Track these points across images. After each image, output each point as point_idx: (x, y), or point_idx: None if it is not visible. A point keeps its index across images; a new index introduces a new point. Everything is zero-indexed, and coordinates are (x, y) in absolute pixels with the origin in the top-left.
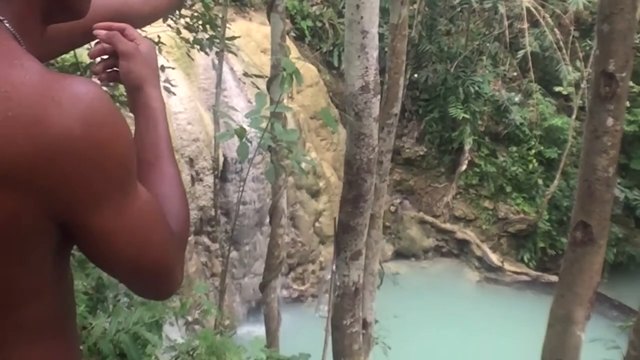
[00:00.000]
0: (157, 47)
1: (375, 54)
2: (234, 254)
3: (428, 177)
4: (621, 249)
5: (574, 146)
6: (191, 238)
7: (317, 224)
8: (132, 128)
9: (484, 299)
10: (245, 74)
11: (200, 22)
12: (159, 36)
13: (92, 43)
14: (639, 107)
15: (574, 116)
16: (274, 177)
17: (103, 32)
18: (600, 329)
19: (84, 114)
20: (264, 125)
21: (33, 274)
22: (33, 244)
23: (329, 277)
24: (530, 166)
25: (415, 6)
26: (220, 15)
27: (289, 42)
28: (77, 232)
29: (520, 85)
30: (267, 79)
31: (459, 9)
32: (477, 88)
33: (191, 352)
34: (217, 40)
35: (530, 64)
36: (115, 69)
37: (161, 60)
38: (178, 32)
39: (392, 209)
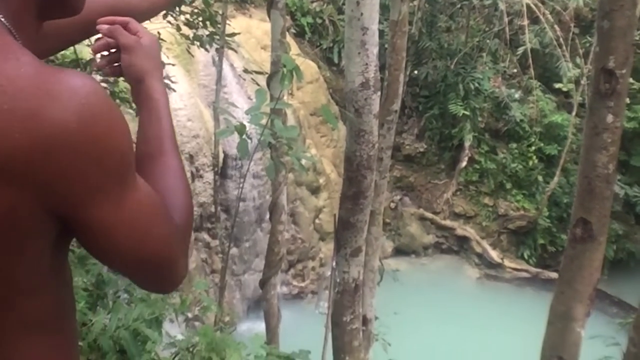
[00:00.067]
0: None
1: (376, 50)
2: (234, 250)
3: (428, 174)
4: (621, 246)
5: (574, 143)
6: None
7: (317, 221)
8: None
9: (484, 296)
10: (246, 71)
11: (200, 19)
12: (159, 32)
13: (93, 39)
14: (639, 103)
15: (574, 113)
16: (274, 174)
17: (105, 26)
18: (600, 326)
19: (79, 107)
20: (264, 121)
21: (31, 269)
22: (31, 237)
23: (329, 273)
24: (530, 163)
25: (415, 3)
26: (220, 12)
27: (289, 39)
28: (76, 226)
29: (520, 82)
30: (267, 75)
31: (459, 6)
32: (477, 85)
33: (191, 349)
34: (217, 37)
35: (530, 60)
36: (119, 63)
37: (161, 57)
38: (178, 29)
39: (392, 205)
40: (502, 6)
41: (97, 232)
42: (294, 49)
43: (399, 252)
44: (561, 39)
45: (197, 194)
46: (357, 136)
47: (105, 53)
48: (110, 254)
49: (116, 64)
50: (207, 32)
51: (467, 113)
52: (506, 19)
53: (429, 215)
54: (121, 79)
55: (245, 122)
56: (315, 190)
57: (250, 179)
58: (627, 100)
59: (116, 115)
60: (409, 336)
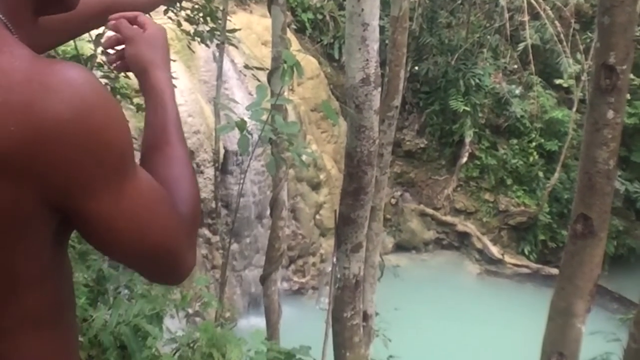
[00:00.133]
0: None
1: (376, 46)
2: (234, 246)
3: (429, 170)
4: (622, 242)
5: (574, 139)
6: None
7: (317, 217)
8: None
9: (485, 292)
10: (246, 67)
11: (201, 15)
12: None
13: (92, 34)
14: None
15: (574, 109)
16: (274, 170)
17: (112, 22)
18: (600, 322)
19: (73, 98)
20: (264, 117)
21: (31, 263)
22: (30, 231)
23: (330, 269)
24: (531, 159)
25: None
26: (221, 8)
27: (289, 35)
28: (76, 219)
29: (520, 78)
30: (267, 71)
31: (459, 2)
32: (477, 81)
33: (192, 345)
34: (218, 33)
35: (530, 56)
36: None
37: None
38: (179, 25)
39: (393, 201)
40: (502, 2)
41: (97, 225)
42: (295, 44)
43: (400, 248)
44: (562, 35)
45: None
46: (357, 132)
47: (119, 48)
48: (112, 246)
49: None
50: (207, 28)
51: (468, 109)
52: (507, 15)
53: (429, 211)
54: (122, 74)
55: (246, 118)
56: (315, 186)
57: (251, 175)
58: (628, 96)
59: (112, 106)
60: (409, 332)
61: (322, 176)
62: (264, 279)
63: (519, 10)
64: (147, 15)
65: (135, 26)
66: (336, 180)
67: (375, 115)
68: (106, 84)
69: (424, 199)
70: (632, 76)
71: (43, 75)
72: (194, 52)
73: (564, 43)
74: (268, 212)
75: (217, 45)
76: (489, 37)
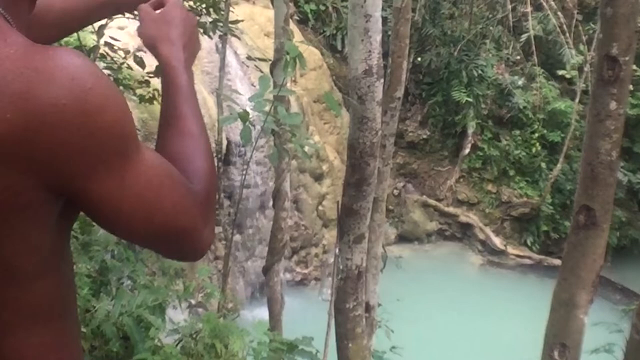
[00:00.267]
0: None
1: (379, 37)
2: (237, 237)
3: (431, 161)
4: (624, 233)
5: (577, 130)
6: None
7: (320, 208)
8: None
9: (487, 283)
10: (249, 58)
11: (203, 6)
12: None
13: (95, 25)
14: None
15: (577, 100)
16: (277, 161)
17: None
18: (603, 313)
19: (69, 82)
20: (267, 108)
21: (31, 255)
22: (31, 220)
23: (332, 260)
24: (534, 150)
25: None
26: None
27: (292, 26)
28: (81, 203)
29: (523, 69)
30: (270, 62)
31: None
32: (480, 72)
33: (194, 335)
34: (221, 24)
35: (533, 47)
36: None
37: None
38: None
39: (395, 192)
40: None
41: (102, 207)
42: (298, 36)
43: (402, 239)
44: (564, 26)
45: None
46: (360, 123)
47: None
48: (120, 228)
49: None
50: (210, 19)
51: (470, 100)
52: (509, 6)
53: (432, 202)
54: (125, 66)
55: (248, 109)
56: (318, 177)
57: (254, 166)
58: (631, 87)
59: (108, 89)
60: (411, 323)
61: (324, 167)
62: (267, 270)
63: (521, 1)
64: None
65: (146, 6)
66: (339, 172)
67: (378, 106)
68: (109, 74)
69: (426, 190)
70: (634, 67)
71: (38, 62)
72: None
73: (567, 34)
74: (271, 203)
75: (220, 36)
76: (491, 28)
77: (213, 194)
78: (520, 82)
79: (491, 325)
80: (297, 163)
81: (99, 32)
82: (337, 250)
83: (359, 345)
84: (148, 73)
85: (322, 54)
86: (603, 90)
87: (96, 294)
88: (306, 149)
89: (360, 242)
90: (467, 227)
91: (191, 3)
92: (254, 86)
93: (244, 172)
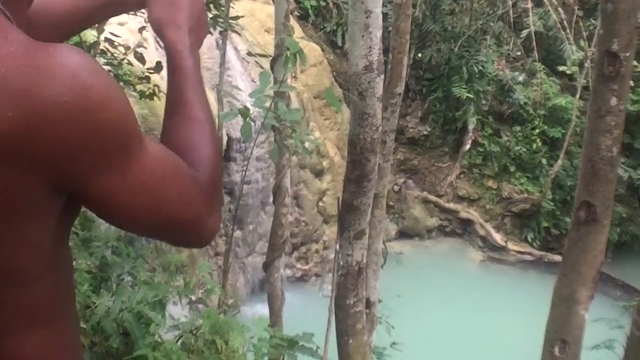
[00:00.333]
0: None
1: (379, 33)
2: (237, 233)
3: (432, 157)
4: (625, 229)
5: (577, 126)
6: None
7: (320, 204)
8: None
9: (488, 279)
10: (249, 54)
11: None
12: None
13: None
14: None
15: (577, 96)
16: (277, 157)
17: None
18: (604, 309)
19: (71, 80)
20: (267, 104)
21: (33, 255)
22: (32, 219)
23: (333, 256)
24: (534, 146)
25: None
26: None
27: (292, 22)
28: (84, 199)
29: (524, 65)
30: (270, 58)
31: None
32: (480, 67)
33: (194, 331)
34: (221, 20)
35: (534, 43)
36: None
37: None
38: None
39: (396, 188)
40: None
41: (106, 202)
42: (298, 31)
43: (403, 235)
44: (565, 22)
45: None
46: (360, 119)
47: None
48: (125, 222)
49: None
50: (211, 15)
51: (471, 96)
52: (510, 2)
53: (432, 198)
54: (125, 62)
55: (249, 105)
56: (318, 173)
57: (254, 162)
58: (631, 83)
59: (109, 86)
60: (412, 319)
61: (325, 163)
62: (267, 266)
63: None
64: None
65: None
66: (339, 168)
67: (378, 102)
68: (109, 70)
69: (427, 186)
70: (635, 63)
71: (39, 59)
72: None
73: (567, 30)
74: (271, 199)
75: (220, 32)
76: (492, 24)
77: (218, 182)
78: (520, 78)
79: (491, 322)
80: (297, 159)
81: (99, 28)
82: (337, 247)
83: (360, 341)
84: (148, 69)
85: (322, 50)
86: (604, 86)
87: (96, 290)
88: (307, 145)
89: (360, 238)
90: (467, 223)
91: None
92: (255, 82)
93: (245, 168)
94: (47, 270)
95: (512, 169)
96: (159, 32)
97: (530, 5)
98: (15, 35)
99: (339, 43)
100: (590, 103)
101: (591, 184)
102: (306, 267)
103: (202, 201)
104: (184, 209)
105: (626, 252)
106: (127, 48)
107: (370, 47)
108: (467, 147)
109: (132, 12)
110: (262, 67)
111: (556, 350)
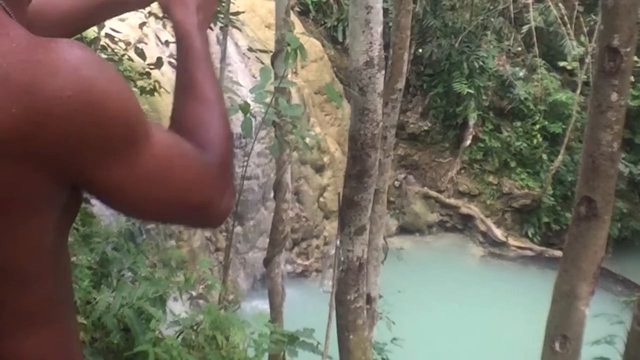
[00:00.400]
0: (161, 22)
1: (380, 29)
2: (238, 228)
3: (432, 152)
4: (625, 224)
5: (578, 121)
6: None
7: (321, 199)
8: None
9: (488, 274)
10: (250, 49)
11: None
12: None
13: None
14: None
15: (578, 91)
16: (278, 152)
17: None
18: (604, 304)
19: (73, 74)
20: (268, 100)
21: (34, 255)
22: (36, 217)
23: (333, 252)
24: (535, 141)
25: None
26: None
27: (293, 17)
28: (93, 191)
29: (524, 60)
30: (271, 54)
31: None
32: (481, 63)
33: (195, 327)
34: (222, 15)
35: (534, 38)
36: None
37: (166, 35)
38: None
39: (397, 184)
40: None
41: (114, 194)
42: (299, 27)
43: (403, 230)
44: (565, 17)
45: None
46: (361, 115)
47: None
48: (136, 211)
49: None
50: None
51: (472, 91)
52: None
53: (433, 193)
54: (126, 57)
55: (249, 101)
56: (319, 169)
57: (255, 158)
58: (632, 79)
59: (111, 78)
60: (413, 314)
61: (325, 159)
62: (268, 262)
63: None
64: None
65: None
66: (340, 163)
67: (379, 98)
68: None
69: (427, 182)
70: (636, 58)
71: (41, 54)
72: None
73: (568, 25)
74: (272, 194)
75: (221, 28)
76: (492, 19)
77: (229, 162)
78: (521, 74)
79: (492, 317)
80: (298, 155)
81: (100, 24)
82: (338, 242)
83: (360, 336)
84: (149, 64)
85: (323, 45)
86: (604, 81)
87: (97, 286)
88: (307, 140)
89: (361, 234)
90: (468, 219)
91: None
92: (255, 78)
93: (245, 164)
94: (47, 271)
95: (513, 164)
96: (167, 11)
97: (530, 0)
98: (17, 31)
99: (340, 39)
100: (590, 98)
101: (592, 179)
102: (307, 263)
103: (213, 184)
104: (193, 195)
105: (627, 247)
106: (128, 44)
107: (371, 43)
108: (468, 142)
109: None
110: (262, 63)
111: (557, 345)
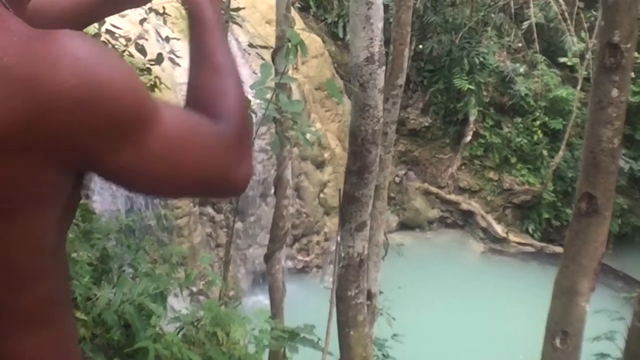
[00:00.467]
0: (162, 18)
1: (380, 25)
2: (238, 225)
3: (433, 148)
4: (626, 220)
5: (578, 117)
6: (195, 209)
7: (321, 195)
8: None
9: (489, 270)
10: (250, 45)
11: None
12: (164, 7)
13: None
14: None
15: (578, 87)
16: (278, 148)
17: None
18: (604, 300)
19: (75, 63)
20: (268, 96)
21: (35, 255)
22: (38, 214)
23: (334, 248)
24: (535, 137)
25: None
26: None
27: (294, 13)
28: (105, 175)
29: (525, 56)
30: (272, 50)
31: None
32: (481, 59)
33: (196, 323)
34: (222, 11)
35: (535, 34)
36: None
37: (166, 32)
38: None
39: (397, 180)
40: None
41: (127, 176)
42: (299, 23)
43: (404, 226)
44: (566, 13)
45: None
46: (362, 111)
47: None
48: (153, 190)
49: None
50: None
51: (472, 87)
52: None
53: (433, 189)
54: (126, 53)
55: (250, 97)
56: (320, 165)
57: (255, 154)
58: (632, 75)
59: (112, 62)
60: (413, 310)
61: (326, 155)
62: (268, 258)
63: None
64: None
65: None
66: (340, 159)
67: (380, 93)
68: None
69: (428, 178)
70: (636, 54)
71: (41, 47)
72: None
73: (569, 21)
74: (272, 190)
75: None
76: (493, 15)
77: (245, 131)
78: (521, 70)
79: (492, 313)
80: (298, 151)
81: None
82: (338, 238)
83: (361, 332)
84: (149, 61)
85: (323, 41)
86: (605, 77)
87: (97, 282)
88: (308, 136)
89: (361, 230)
90: (468, 215)
91: None
92: (256, 74)
93: None
94: (47, 271)
95: (513, 160)
96: None
97: None
98: (17, 25)
99: (340, 35)
100: (591, 94)
101: (592, 175)
102: (307, 259)
103: (228, 155)
104: (209, 168)
105: (627, 243)
106: (128, 40)
107: (371, 39)
108: (468, 138)
109: None
110: (263, 59)
111: (557, 341)
